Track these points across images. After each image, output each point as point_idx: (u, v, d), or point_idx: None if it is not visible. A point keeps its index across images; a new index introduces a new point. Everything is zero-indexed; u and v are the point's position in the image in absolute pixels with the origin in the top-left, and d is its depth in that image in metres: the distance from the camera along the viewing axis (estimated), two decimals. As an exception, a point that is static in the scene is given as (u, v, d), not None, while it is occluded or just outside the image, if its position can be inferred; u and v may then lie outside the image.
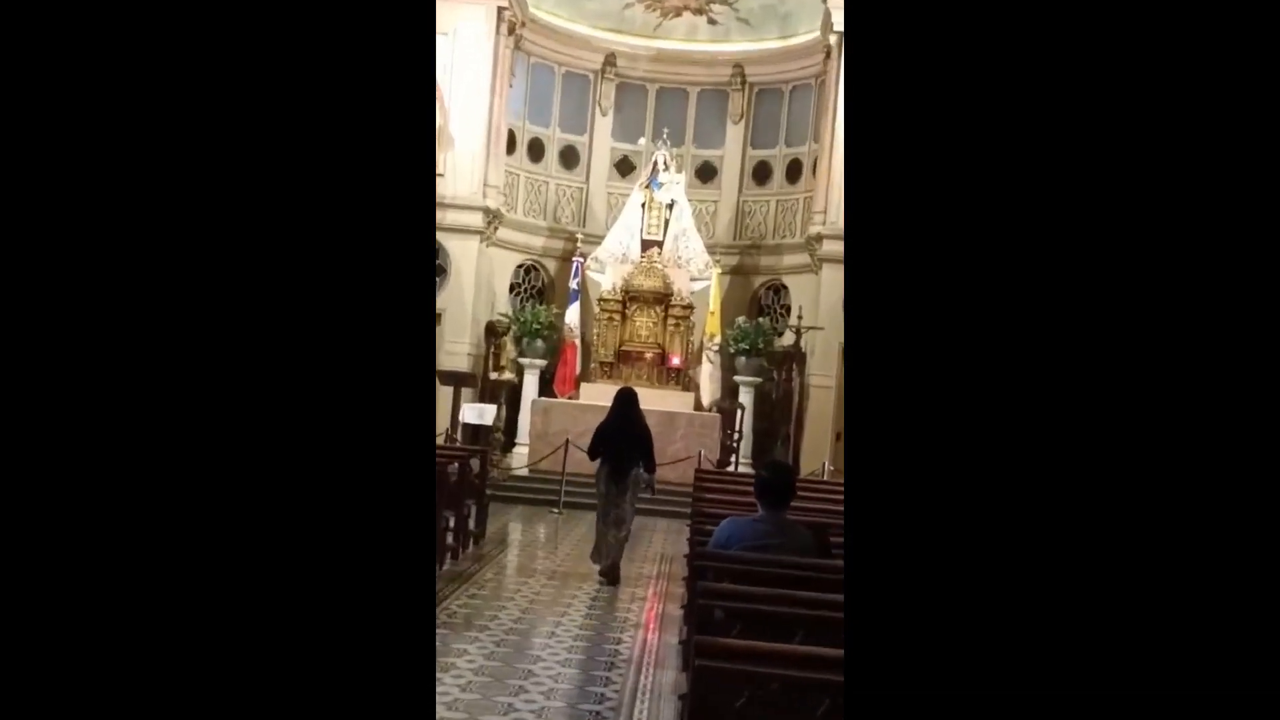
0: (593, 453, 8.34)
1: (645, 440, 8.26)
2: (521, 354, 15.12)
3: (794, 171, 16.31)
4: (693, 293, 15.03)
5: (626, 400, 8.41)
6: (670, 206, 15.49)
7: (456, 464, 8.54)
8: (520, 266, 16.37)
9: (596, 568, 8.14)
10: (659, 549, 9.98)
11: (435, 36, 9.06)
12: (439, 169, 13.90)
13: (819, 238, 14.27)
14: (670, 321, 14.78)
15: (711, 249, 15.70)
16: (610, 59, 16.64)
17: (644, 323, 14.87)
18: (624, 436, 8.19)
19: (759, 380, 14.95)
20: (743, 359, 14.80)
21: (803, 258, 15.28)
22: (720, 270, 15.38)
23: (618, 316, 14.83)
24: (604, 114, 16.81)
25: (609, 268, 15.24)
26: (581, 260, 15.40)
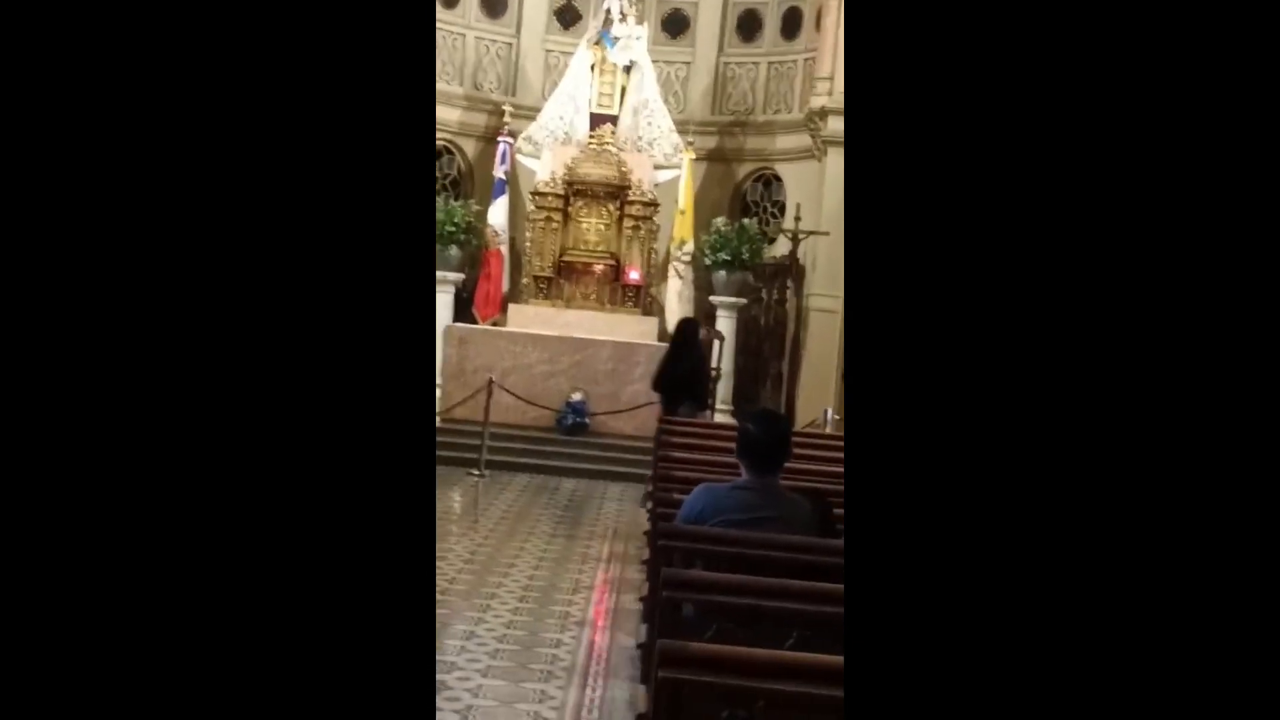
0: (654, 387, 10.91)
1: (693, 376, 10.47)
2: (429, 266, 15.04)
3: (791, 23, 16.25)
4: (657, 185, 15.02)
5: (680, 331, 10.92)
6: (628, 70, 15.43)
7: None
8: (427, 148, 16.25)
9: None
10: (610, 523, 10.02)
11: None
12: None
13: (824, 113, 14.25)
14: (627, 223, 14.77)
15: (682, 127, 15.66)
16: None
17: (593, 225, 14.86)
18: (674, 372, 10.38)
19: (743, 302, 15.03)
20: (722, 274, 14.81)
21: (802, 139, 15.30)
22: (694, 156, 15.38)
23: (558, 216, 14.79)
24: (539, -57, 16.56)
25: (546, 151, 15.18)
26: (510, 142, 15.34)
